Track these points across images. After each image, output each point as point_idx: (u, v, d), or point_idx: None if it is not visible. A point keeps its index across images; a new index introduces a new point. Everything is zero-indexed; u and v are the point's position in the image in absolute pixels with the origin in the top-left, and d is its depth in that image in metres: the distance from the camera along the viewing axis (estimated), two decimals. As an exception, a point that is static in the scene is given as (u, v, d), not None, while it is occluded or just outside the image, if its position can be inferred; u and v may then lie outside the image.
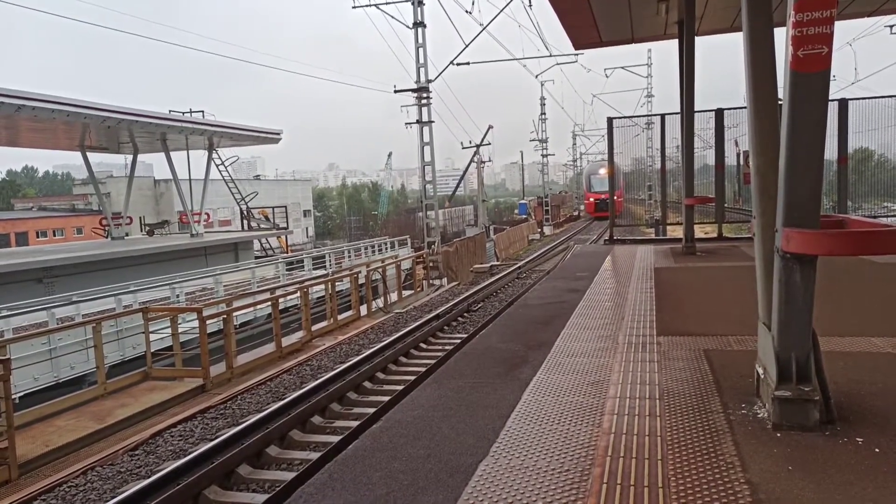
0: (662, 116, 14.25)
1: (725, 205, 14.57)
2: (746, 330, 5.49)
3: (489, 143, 39.24)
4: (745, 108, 4.00)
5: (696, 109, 11.97)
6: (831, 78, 3.26)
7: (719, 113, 13.59)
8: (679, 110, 12.18)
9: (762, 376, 3.87)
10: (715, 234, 14.53)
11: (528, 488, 3.02)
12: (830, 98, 3.55)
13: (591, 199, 57.18)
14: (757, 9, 3.87)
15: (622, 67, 47.86)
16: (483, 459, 3.36)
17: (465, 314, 15.79)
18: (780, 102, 3.53)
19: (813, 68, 3.13)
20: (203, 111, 28.05)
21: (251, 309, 15.00)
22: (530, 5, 25.71)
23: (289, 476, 6.70)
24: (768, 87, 3.82)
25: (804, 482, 2.92)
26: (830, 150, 13.01)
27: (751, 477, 3.00)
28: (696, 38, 11.51)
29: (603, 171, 47.43)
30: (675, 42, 12.34)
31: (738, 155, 14.99)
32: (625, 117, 15.78)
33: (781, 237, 3.37)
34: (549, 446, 3.49)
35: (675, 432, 3.57)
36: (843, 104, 12.92)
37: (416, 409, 4.30)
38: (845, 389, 4.02)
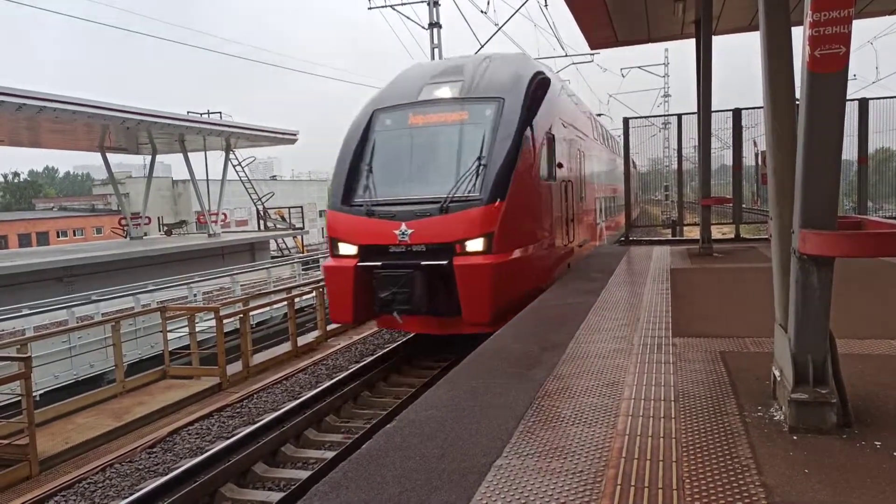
0: (679, 116, 14.16)
1: (743, 205, 14.44)
2: (763, 332, 5.44)
3: (504, 144, 39.07)
4: (762, 108, 3.97)
5: (713, 109, 11.89)
6: (851, 77, 3.23)
7: (737, 113, 13.48)
8: (696, 110, 12.11)
9: (778, 378, 3.84)
10: (732, 235, 14.41)
11: (541, 489, 3.03)
12: (851, 97, 3.52)
13: (342, 258, 9.24)
14: (774, 8, 3.84)
15: (639, 67, 47.50)
16: (496, 460, 3.37)
17: (480, 314, 15.56)
18: (797, 102, 3.50)
19: (830, 68, 3.10)
20: (220, 112, 28.34)
21: (267, 308, 15.10)
22: (546, 5, 25.72)
23: (304, 475, 6.75)
24: (785, 87, 3.79)
25: (821, 485, 2.90)
26: (850, 151, 12.85)
27: (766, 480, 2.97)
28: (717, 38, 11.44)
29: (439, 117, 9.69)
30: (693, 41, 12.28)
31: (757, 155, 14.85)
32: (641, 117, 15.72)
33: (798, 238, 3.34)
34: (563, 447, 3.49)
35: (689, 434, 3.55)
36: (864, 104, 12.75)
37: (429, 409, 4.31)
38: (863, 392, 3.97)
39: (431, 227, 8.49)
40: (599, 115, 24.43)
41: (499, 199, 8.38)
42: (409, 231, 8.58)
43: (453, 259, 8.29)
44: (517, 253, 8.72)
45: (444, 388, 4.77)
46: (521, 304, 7.88)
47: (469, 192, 8.59)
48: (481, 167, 8.68)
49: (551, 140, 10.14)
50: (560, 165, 10.48)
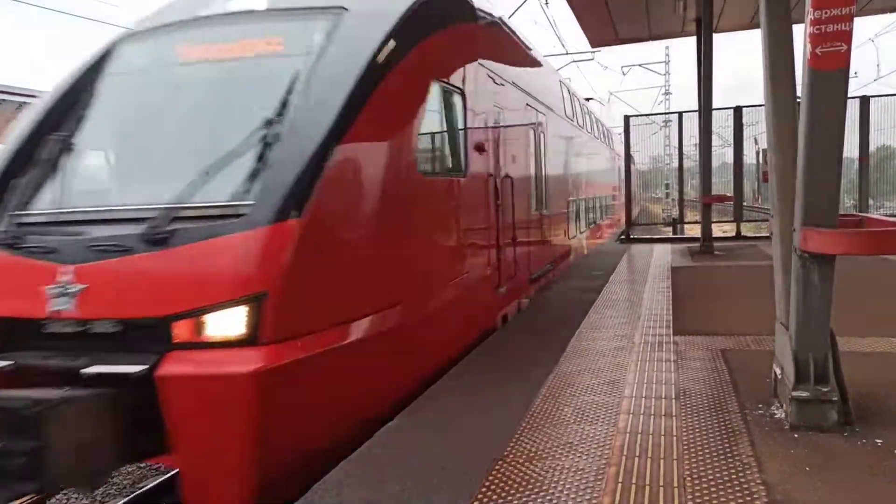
0: (680, 114, 14.15)
1: (744, 203, 14.44)
2: (764, 330, 5.43)
3: (504, 142, 38.79)
4: (763, 105, 3.97)
5: (714, 107, 11.89)
6: (852, 75, 3.23)
7: (738, 110, 13.47)
8: (697, 108, 12.11)
9: (780, 376, 3.84)
10: (733, 233, 14.40)
11: (542, 487, 3.03)
12: (852, 95, 3.52)
13: None
14: (775, 6, 3.84)
15: (639, 65, 47.37)
16: (497, 458, 3.37)
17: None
18: (798, 100, 3.50)
19: (832, 66, 3.10)
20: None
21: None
22: (546, 3, 25.55)
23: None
24: (786, 85, 3.79)
25: (821, 483, 2.90)
26: (851, 148, 12.83)
27: (767, 477, 2.98)
28: (720, 35, 11.44)
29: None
30: (694, 39, 12.27)
31: (758, 153, 14.84)
32: (641, 115, 15.71)
33: (799, 236, 3.34)
34: (564, 445, 3.49)
35: (691, 432, 3.55)
36: (865, 101, 12.73)
37: (430, 407, 4.31)
38: (864, 390, 3.97)
39: (124, 280, 3.73)
40: (588, 99, 19.67)
41: (293, 212, 3.70)
42: (77, 288, 3.71)
43: (163, 358, 3.54)
44: (336, 336, 3.98)
45: (446, 386, 4.77)
46: (352, 443, 3.72)
47: (230, 195, 3.86)
48: (269, 141, 4.00)
49: (458, 99, 5.78)
50: (481, 149, 6.25)
